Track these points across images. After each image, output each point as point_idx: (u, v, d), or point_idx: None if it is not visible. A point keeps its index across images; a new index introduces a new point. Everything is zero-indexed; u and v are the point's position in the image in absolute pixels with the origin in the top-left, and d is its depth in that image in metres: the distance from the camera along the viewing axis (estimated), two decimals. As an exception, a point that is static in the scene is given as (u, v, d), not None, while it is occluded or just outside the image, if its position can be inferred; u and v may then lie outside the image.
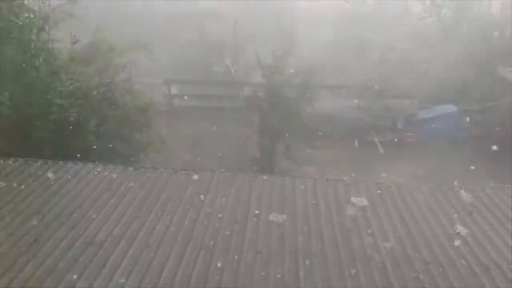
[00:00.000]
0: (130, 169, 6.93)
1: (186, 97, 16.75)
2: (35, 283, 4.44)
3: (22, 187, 6.21)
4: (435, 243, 5.36)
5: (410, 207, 6.15)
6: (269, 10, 19.66)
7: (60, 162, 6.96)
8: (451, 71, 16.16)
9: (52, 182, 6.40)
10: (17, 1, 8.66)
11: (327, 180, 6.86)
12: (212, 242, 5.18)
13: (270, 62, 12.92)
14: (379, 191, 6.52)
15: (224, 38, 18.53)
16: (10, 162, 6.88)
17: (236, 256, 4.95)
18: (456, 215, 5.96)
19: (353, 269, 4.84)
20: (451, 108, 15.52)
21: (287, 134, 12.33)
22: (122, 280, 4.53)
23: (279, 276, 4.71)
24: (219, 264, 4.81)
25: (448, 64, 16.45)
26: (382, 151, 13.87)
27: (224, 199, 6.11)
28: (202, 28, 19.28)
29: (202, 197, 6.14)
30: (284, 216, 5.76)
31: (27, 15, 8.65)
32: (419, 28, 18.32)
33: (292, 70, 12.92)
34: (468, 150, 13.61)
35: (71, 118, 8.93)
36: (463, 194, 6.43)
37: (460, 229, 5.60)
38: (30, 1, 8.83)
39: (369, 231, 5.54)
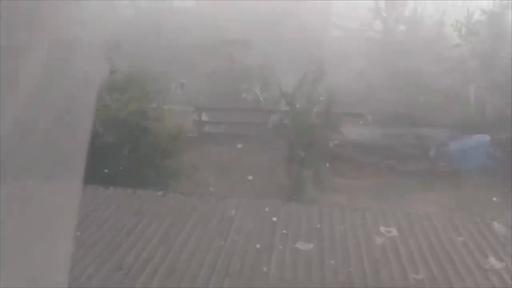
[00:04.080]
0: (159, 194, 7.04)
1: (215, 124, 16.99)
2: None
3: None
4: (468, 276, 5.19)
5: (441, 238, 5.99)
6: (299, 39, 19.93)
7: (91, 187, 7.13)
8: (485, 100, 15.85)
9: (83, 206, 6.55)
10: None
11: (355, 209, 6.78)
12: (237, 269, 5.17)
13: (292, 90, 13.03)
14: (409, 221, 6.39)
15: (253, 66, 18.83)
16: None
17: (262, 284, 4.92)
18: (489, 248, 5.77)
19: (381, 301, 4.74)
20: (484, 137, 15.15)
21: (315, 162, 12.28)
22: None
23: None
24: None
25: (482, 93, 16.16)
26: (412, 180, 13.61)
27: (250, 226, 6.11)
28: (231, 56, 19.67)
29: (228, 223, 6.16)
30: (311, 244, 5.71)
31: None
32: (452, 55, 18.12)
33: (320, 98, 12.97)
34: (503, 181, 13.18)
35: (105, 144, 9.18)
36: (496, 226, 6.23)
37: (494, 262, 5.41)
38: None
39: (399, 262, 5.42)
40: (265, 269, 5.19)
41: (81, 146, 1.00)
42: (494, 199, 11.57)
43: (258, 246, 5.67)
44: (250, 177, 12.78)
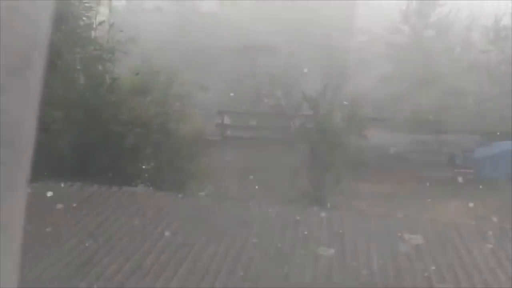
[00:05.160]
0: (180, 196, 7.02)
1: (238, 128, 17.03)
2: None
3: (77, 210, 6.43)
4: (496, 286, 4.98)
5: (469, 247, 5.79)
6: (324, 44, 19.79)
7: (115, 187, 7.17)
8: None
9: (106, 206, 6.59)
10: (84, 34, 9.24)
11: (379, 215, 6.63)
12: (257, 273, 5.09)
13: (316, 94, 12.95)
14: (435, 229, 6.20)
15: (277, 70, 18.81)
16: (68, 185, 7.19)
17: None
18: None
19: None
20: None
21: (337, 167, 12.12)
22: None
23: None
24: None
25: (510, 99, 15.71)
26: (437, 187, 13.29)
27: (271, 230, 6.02)
28: (255, 61, 19.67)
29: (249, 227, 6.08)
30: (333, 250, 5.59)
31: (93, 47, 9.20)
32: (480, 61, 17.71)
33: (344, 102, 12.83)
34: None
35: (128, 146, 9.26)
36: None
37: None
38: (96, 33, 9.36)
39: (424, 271, 5.25)
40: (284, 272, 5.10)
41: (27, 139, 0.83)
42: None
43: (278, 250, 5.57)
44: (271, 181, 12.69)
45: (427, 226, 6.29)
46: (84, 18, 9.29)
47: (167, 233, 5.87)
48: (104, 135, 8.85)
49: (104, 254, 5.39)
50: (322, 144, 12.35)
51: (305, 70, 17.22)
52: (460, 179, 13.80)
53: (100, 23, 9.42)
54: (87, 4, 9.42)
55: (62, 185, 7.16)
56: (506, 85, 16.29)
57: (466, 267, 5.35)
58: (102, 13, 9.50)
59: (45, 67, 0.90)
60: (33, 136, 0.90)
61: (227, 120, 17.69)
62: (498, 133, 14.83)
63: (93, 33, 9.40)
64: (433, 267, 5.30)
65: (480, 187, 13.08)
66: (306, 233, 5.99)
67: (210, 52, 19.75)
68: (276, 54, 19.59)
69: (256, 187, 12.53)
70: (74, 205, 6.55)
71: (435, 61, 18.30)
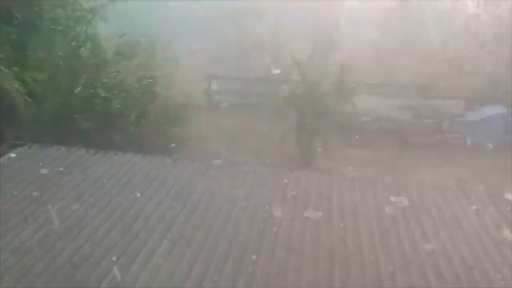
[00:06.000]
0: (168, 160, 6.98)
1: (225, 93, 16.90)
2: (71, 268, 4.52)
3: (64, 174, 6.38)
4: (479, 247, 5.10)
5: (453, 209, 5.89)
6: (313, 9, 19.47)
7: (101, 152, 7.10)
8: (502, 71, 15.45)
9: (93, 171, 6.53)
10: None
11: (366, 179, 6.68)
12: (245, 237, 5.13)
13: (305, 60, 12.83)
14: (420, 192, 6.28)
15: (265, 35, 18.52)
16: (54, 149, 7.09)
17: (269, 253, 4.87)
18: (502, 219, 5.66)
19: (390, 271, 4.67)
20: (501, 109, 14.82)
21: (325, 132, 12.15)
22: (156, 269, 4.55)
23: (313, 274, 4.60)
24: (253, 257, 4.75)
25: (499, 64, 15.74)
26: (424, 152, 13.44)
27: (259, 194, 6.05)
28: (243, 25, 19.31)
29: (237, 191, 6.10)
30: (320, 213, 5.64)
31: (73, 7, 8.93)
32: (470, 25, 17.60)
33: (333, 67, 12.74)
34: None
35: (114, 110, 9.13)
36: (510, 197, 6.11)
37: (506, 233, 5.31)
38: None
39: (409, 232, 5.34)
40: (273, 237, 5.15)
41: None
42: (510, 171, 11.38)
43: (266, 213, 5.62)
44: (259, 147, 12.71)
45: (413, 189, 6.36)
46: None
47: (155, 198, 5.86)
48: (87, 99, 8.70)
49: (92, 218, 5.38)
50: (310, 109, 12.34)
51: (295, 35, 16.97)
52: (446, 144, 13.97)
53: None
54: None
55: (45, 149, 7.07)
56: (495, 50, 16.28)
57: (450, 228, 5.46)
58: None
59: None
60: None
61: (214, 85, 17.50)
62: (488, 98, 14.91)
63: None
64: (418, 229, 5.40)
65: (467, 151, 13.27)
66: (293, 196, 6.04)
67: (197, 16, 19.32)
68: (264, 18, 19.25)
69: (244, 151, 12.55)
70: (60, 169, 6.49)
71: (424, 26, 18.16)
